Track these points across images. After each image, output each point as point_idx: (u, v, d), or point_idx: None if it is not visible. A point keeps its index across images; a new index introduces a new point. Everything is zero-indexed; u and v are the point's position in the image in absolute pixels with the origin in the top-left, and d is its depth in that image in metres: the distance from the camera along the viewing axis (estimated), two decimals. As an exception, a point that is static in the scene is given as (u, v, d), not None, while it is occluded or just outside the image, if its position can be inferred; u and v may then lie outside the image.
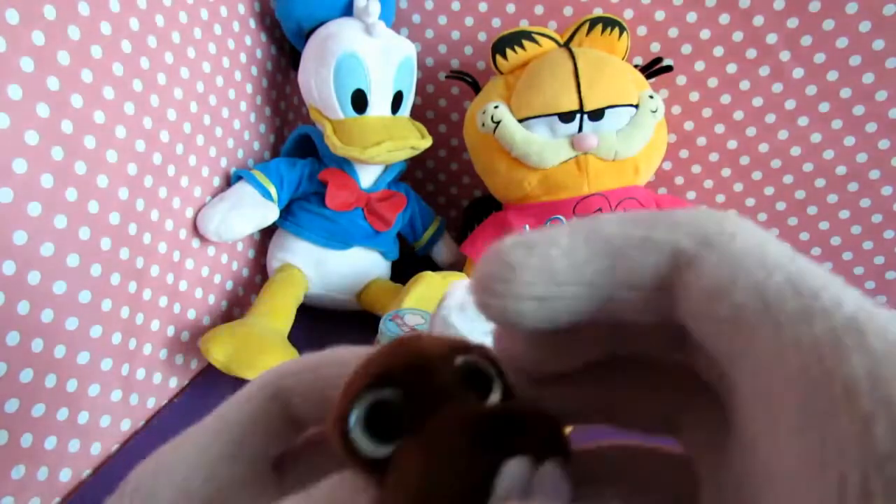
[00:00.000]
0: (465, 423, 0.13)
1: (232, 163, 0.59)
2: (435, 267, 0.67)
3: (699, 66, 0.62)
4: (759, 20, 0.59)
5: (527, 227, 0.57)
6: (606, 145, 0.55)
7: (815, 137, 0.61)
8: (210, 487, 0.15)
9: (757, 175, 0.64)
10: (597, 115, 0.55)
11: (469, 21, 0.66)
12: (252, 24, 0.62)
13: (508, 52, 0.58)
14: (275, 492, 0.16)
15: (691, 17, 0.60)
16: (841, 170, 0.61)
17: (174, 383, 0.53)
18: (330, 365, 0.16)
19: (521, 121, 0.56)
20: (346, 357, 0.16)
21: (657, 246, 0.12)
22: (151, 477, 0.15)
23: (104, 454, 0.45)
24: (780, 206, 0.64)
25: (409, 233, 0.69)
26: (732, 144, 0.63)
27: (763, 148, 0.63)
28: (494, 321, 0.13)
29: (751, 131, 0.62)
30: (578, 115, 0.55)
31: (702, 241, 0.12)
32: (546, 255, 0.13)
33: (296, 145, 0.64)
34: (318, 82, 0.56)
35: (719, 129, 0.63)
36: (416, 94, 0.64)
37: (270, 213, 0.58)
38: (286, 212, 0.61)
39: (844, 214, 0.62)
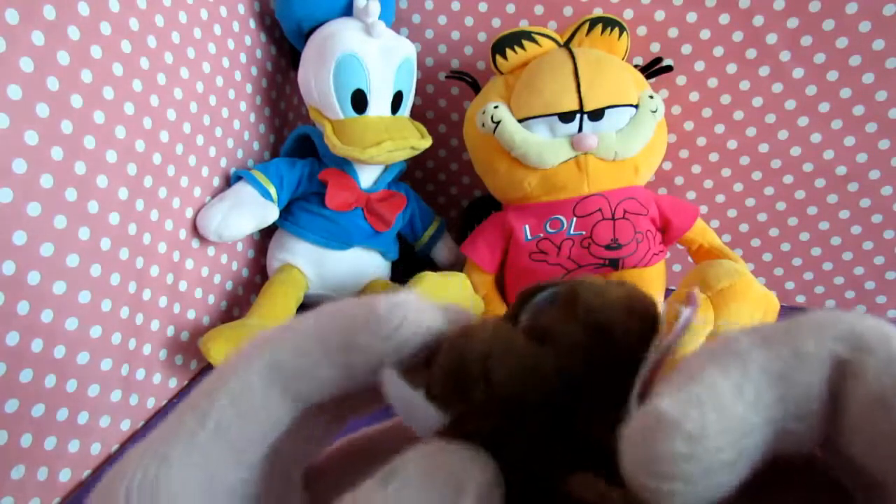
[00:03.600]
0: None
1: (232, 163, 0.59)
2: (435, 267, 0.67)
3: (699, 66, 0.62)
4: (759, 20, 0.59)
5: (527, 227, 0.57)
6: (606, 145, 0.55)
7: (815, 137, 0.61)
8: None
9: (757, 175, 0.64)
10: (597, 115, 0.55)
11: (469, 21, 0.66)
12: (252, 24, 0.62)
13: (508, 52, 0.58)
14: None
15: (691, 17, 0.60)
16: (841, 170, 0.61)
17: (174, 383, 0.53)
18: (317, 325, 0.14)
19: (520, 121, 0.56)
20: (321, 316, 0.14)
21: (816, 359, 0.11)
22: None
23: (104, 454, 0.45)
24: (781, 206, 0.64)
25: (409, 233, 0.69)
26: (732, 144, 0.63)
27: (763, 148, 0.63)
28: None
29: (751, 131, 0.62)
30: (578, 116, 0.55)
31: (856, 345, 0.11)
32: (721, 406, 0.10)
33: (296, 145, 0.64)
34: (318, 82, 0.56)
35: (719, 129, 0.63)
36: (416, 94, 0.64)
37: (270, 213, 0.58)
38: (286, 212, 0.61)
39: (844, 214, 0.62)
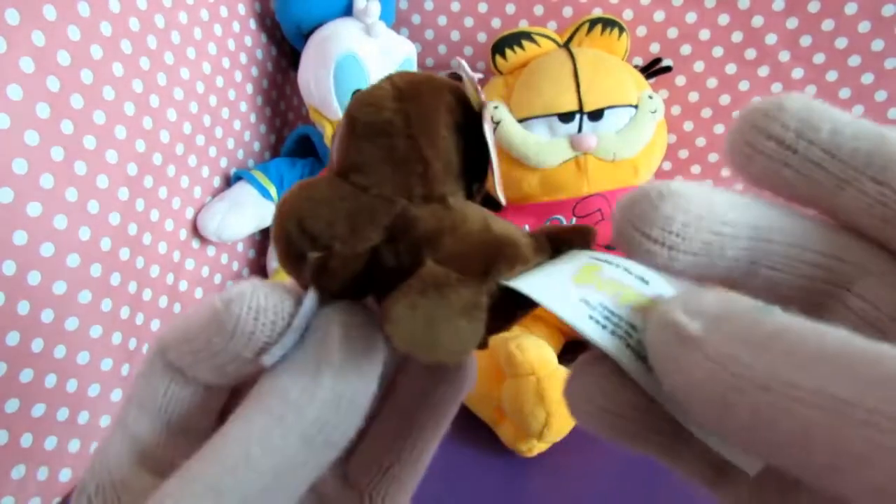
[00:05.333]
0: None
1: (232, 163, 0.59)
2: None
3: (699, 66, 0.62)
4: (758, 20, 0.59)
5: (526, 227, 0.57)
6: (606, 146, 0.55)
7: (815, 138, 0.61)
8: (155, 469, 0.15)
9: (756, 175, 0.64)
10: (596, 115, 0.55)
11: (469, 22, 0.66)
12: (252, 24, 0.62)
13: (508, 52, 0.58)
14: None
15: (691, 17, 0.60)
16: (840, 170, 0.61)
17: (174, 383, 0.53)
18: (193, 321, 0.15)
19: (520, 121, 0.56)
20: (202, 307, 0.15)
21: None
22: (93, 478, 0.14)
23: (104, 454, 0.45)
24: (780, 206, 0.64)
25: (409, 233, 0.69)
26: (732, 145, 0.63)
27: (763, 148, 0.63)
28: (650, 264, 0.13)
29: (750, 131, 0.62)
30: (578, 116, 0.55)
31: None
32: (813, 113, 0.13)
33: (296, 145, 0.64)
34: (318, 83, 0.56)
35: (719, 129, 0.63)
36: (416, 94, 0.64)
37: (270, 214, 0.58)
38: (286, 212, 0.61)
39: (844, 214, 0.63)
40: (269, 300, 0.13)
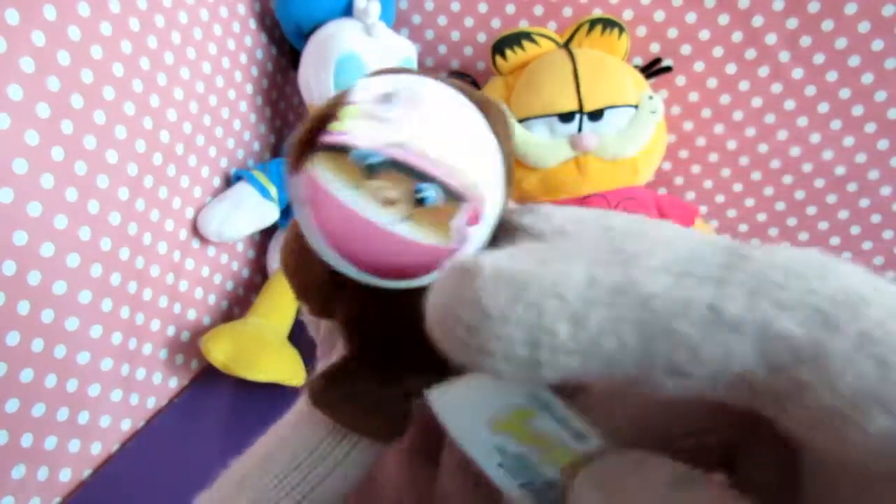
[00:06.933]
0: None
1: (232, 163, 0.59)
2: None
3: (699, 66, 0.62)
4: (758, 21, 0.59)
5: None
6: (605, 146, 0.55)
7: (815, 138, 0.61)
8: None
9: (757, 175, 0.64)
10: (596, 115, 0.55)
11: (469, 22, 0.66)
12: (252, 24, 0.62)
13: (508, 52, 0.58)
14: None
15: (691, 17, 0.60)
16: (840, 170, 0.61)
17: (174, 383, 0.53)
18: None
19: (520, 121, 0.56)
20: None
21: (738, 327, 0.08)
22: None
23: (104, 454, 0.45)
24: (780, 206, 0.64)
25: (409, 233, 0.69)
26: (732, 145, 0.63)
27: (763, 148, 0.63)
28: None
29: (750, 131, 0.63)
30: (578, 116, 0.55)
31: (820, 320, 0.08)
32: (541, 311, 0.08)
33: (296, 145, 0.64)
34: (318, 83, 0.56)
35: (719, 129, 0.63)
36: (416, 94, 0.64)
37: (270, 214, 0.58)
38: (286, 212, 0.61)
39: (844, 214, 0.63)
40: None
